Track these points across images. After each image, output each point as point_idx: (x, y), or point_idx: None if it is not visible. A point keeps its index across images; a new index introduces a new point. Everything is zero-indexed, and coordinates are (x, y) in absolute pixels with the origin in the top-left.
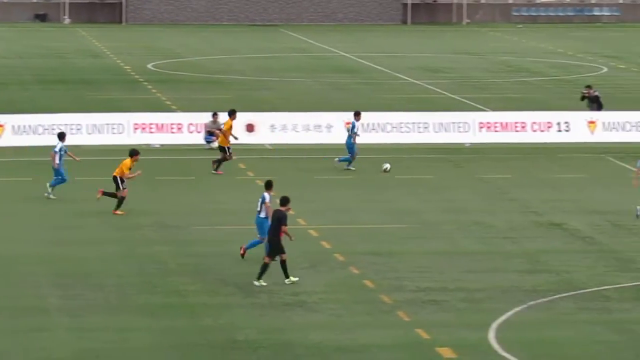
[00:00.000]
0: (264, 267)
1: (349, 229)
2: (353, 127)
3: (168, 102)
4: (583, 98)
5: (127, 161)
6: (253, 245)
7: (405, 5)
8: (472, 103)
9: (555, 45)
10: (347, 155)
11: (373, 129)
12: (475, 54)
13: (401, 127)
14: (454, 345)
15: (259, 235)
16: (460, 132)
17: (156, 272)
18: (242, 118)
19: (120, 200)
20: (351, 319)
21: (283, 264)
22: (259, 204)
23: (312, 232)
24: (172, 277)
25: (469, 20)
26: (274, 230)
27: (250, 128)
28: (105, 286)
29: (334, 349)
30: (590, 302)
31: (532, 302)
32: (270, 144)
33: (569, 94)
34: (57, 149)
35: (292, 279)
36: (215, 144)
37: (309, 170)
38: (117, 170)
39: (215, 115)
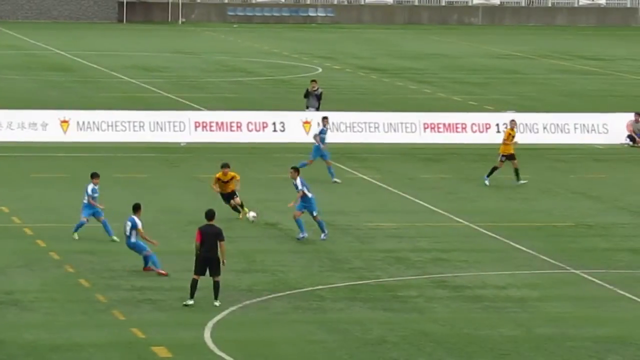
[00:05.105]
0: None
1: (64, 227)
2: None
3: None
4: (307, 94)
5: None
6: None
7: (121, 3)
8: (188, 102)
9: (271, 45)
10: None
11: (89, 128)
12: (191, 53)
13: (117, 126)
14: (170, 344)
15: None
16: (175, 131)
17: None
18: None
19: None
20: (66, 318)
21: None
22: (129, 228)
23: (27, 230)
24: None
25: (184, 20)
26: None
27: None
28: None
29: (48, 348)
30: (304, 301)
31: (247, 302)
32: None
33: (285, 94)
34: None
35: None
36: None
37: (23, 169)
38: None
39: None
